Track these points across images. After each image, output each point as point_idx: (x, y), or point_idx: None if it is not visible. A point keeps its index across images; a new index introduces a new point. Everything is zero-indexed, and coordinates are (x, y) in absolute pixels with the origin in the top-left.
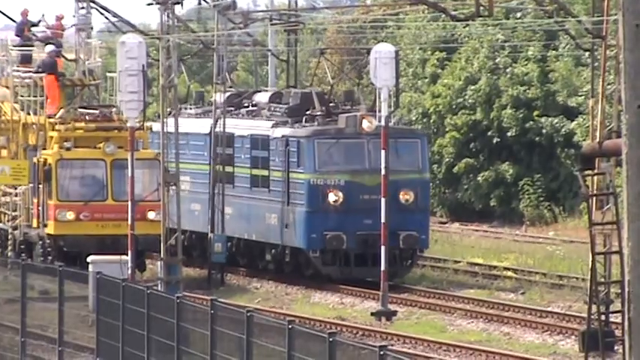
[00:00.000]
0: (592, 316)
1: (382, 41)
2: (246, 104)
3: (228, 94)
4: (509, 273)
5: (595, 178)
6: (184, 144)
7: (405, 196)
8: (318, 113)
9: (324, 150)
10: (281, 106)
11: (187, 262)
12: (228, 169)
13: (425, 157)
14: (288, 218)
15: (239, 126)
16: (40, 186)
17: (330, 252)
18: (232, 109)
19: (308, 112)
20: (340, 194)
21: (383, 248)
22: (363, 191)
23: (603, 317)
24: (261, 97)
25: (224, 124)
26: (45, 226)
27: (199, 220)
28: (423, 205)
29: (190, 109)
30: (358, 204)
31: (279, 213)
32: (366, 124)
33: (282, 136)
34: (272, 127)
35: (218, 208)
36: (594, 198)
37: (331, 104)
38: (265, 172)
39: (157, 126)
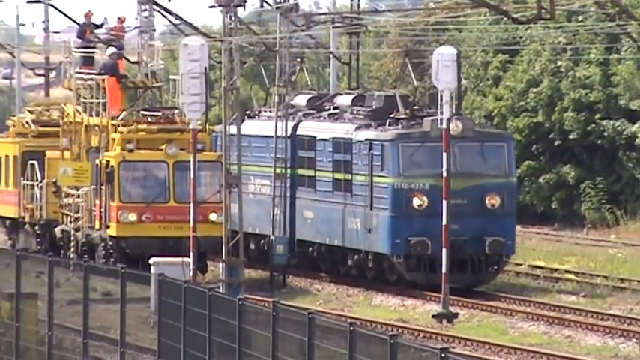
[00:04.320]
0: None
1: (444, 44)
2: (327, 107)
3: (308, 96)
4: (571, 276)
5: None
6: (264, 147)
7: (492, 201)
8: (402, 116)
9: (409, 154)
10: (364, 108)
11: (249, 264)
12: (310, 172)
13: (511, 161)
14: (371, 223)
15: (320, 129)
16: (103, 188)
17: (414, 257)
18: (313, 111)
19: (392, 115)
20: (425, 199)
21: (444, 251)
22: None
23: None
24: (343, 100)
25: (277, 124)
26: (107, 227)
27: (278, 224)
28: (510, 210)
29: (270, 111)
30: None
31: (362, 217)
32: (452, 127)
33: (366, 140)
34: (355, 130)
35: (280, 209)
36: None
37: (415, 107)
38: (348, 176)
39: (232, 129)
